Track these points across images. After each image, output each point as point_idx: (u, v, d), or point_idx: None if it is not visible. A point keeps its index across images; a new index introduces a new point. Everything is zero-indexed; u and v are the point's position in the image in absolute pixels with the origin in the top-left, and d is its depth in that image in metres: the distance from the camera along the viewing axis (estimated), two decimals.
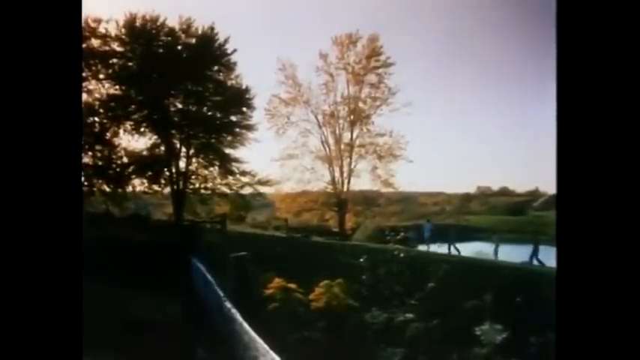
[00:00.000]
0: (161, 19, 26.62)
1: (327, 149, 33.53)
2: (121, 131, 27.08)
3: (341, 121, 33.46)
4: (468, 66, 73.00)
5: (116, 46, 26.58)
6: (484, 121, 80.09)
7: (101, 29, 26.10)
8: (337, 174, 33.46)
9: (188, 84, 27.25)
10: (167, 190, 28.02)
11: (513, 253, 24.11)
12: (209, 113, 28.07)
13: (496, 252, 24.78)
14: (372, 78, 33.11)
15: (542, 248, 22.69)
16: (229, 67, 27.83)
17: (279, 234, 29.53)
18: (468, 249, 25.65)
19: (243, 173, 28.37)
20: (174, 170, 27.44)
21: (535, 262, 22.81)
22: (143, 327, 13.51)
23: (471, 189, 67.80)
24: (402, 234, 25.91)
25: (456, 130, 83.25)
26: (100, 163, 26.55)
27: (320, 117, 33.46)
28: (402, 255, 19.74)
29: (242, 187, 28.68)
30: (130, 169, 27.23)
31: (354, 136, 33.42)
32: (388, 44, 33.61)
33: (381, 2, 56.78)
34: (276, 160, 33.24)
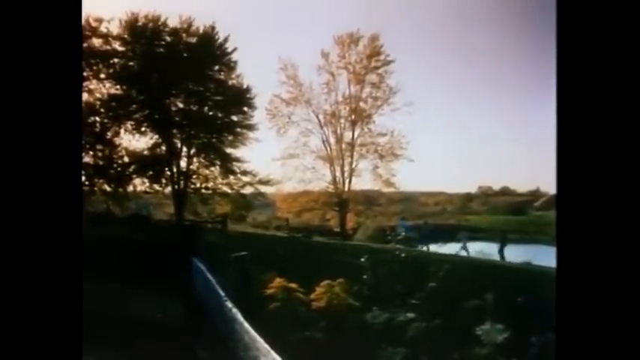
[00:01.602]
0: (162, 19, 26.64)
1: (328, 149, 33.51)
2: (122, 131, 27.12)
3: (342, 121, 33.46)
4: (469, 66, 72.85)
5: (117, 46, 26.61)
6: (485, 120, 79.85)
7: (102, 29, 26.13)
8: (338, 173, 33.45)
9: (189, 83, 27.26)
10: (168, 189, 28.03)
11: (514, 253, 24.03)
12: (210, 113, 28.07)
13: (464, 249, 24.77)
14: (373, 77, 33.10)
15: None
16: (230, 67, 27.84)
17: (280, 234, 29.49)
18: (469, 249, 25.56)
19: (244, 173, 28.39)
20: (175, 170, 27.46)
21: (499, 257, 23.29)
22: (143, 327, 13.52)
23: (472, 189, 67.67)
24: (403, 234, 25.92)
25: (457, 130, 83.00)
26: (100, 162, 26.56)
27: (321, 116, 33.45)
28: (403, 255, 19.73)
29: (243, 186, 28.69)
30: (131, 168, 27.24)
31: (356, 135, 33.40)
32: (389, 44, 33.50)
33: (381, 2, 56.69)
34: (277, 159, 33.23)
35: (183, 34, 27.01)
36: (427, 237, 26.63)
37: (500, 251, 23.67)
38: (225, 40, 27.31)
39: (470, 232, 27.34)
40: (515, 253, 23.58)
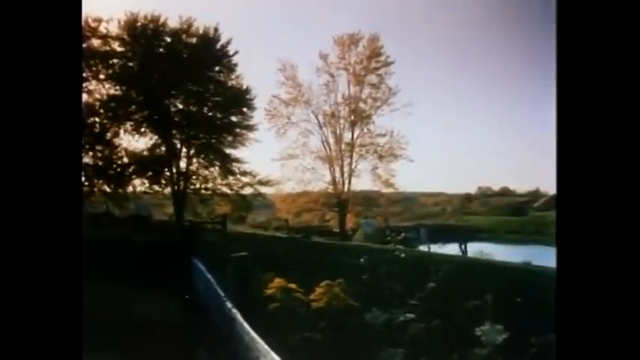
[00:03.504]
0: (162, 20, 26.64)
1: (328, 149, 33.57)
2: (122, 131, 27.10)
3: (342, 121, 33.51)
4: (468, 66, 73.02)
5: (117, 46, 26.59)
6: (485, 121, 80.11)
7: (102, 29, 26.12)
8: (338, 174, 33.50)
9: (189, 84, 27.26)
10: (168, 190, 28.02)
11: (513, 253, 24.08)
12: (210, 114, 28.08)
13: (425, 244, 24.89)
14: (372, 78, 33.15)
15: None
16: (230, 68, 27.85)
17: (280, 234, 29.51)
18: (469, 249, 25.59)
19: (244, 173, 28.36)
20: (174, 170, 27.44)
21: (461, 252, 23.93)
22: (143, 327, 13.51)
23: (472, 189, 67.86)
24: (403, 234, 26.00)
25: (457, 131, 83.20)
26: (100, 163, 26.53)
27: (320, 117, 33.51)
28: (402, 255, 19.74)
29: (242, 187, 28.67)
30: (131, 169, 27.22)
31: (355, 136, 33.47)
32: (389, 44, 33.67)
33: (381, 2, 56.76)
34: (276, 160, 33.27)
35: (183, 35, 27.01)
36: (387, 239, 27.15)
37: (462, 247, 24.13)
38: (228, 42, 27.32)
39: (429, 227, 27.55)
40: (515, 254, 23.61)
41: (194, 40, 27.10)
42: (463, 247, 24.30)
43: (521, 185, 73.74)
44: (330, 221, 35.62)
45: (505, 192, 67.79)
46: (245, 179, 28.40)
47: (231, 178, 28.36)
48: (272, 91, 33.06)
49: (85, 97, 25.62)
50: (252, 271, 16.43)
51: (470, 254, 24.31)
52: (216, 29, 27.20)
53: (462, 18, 61.31)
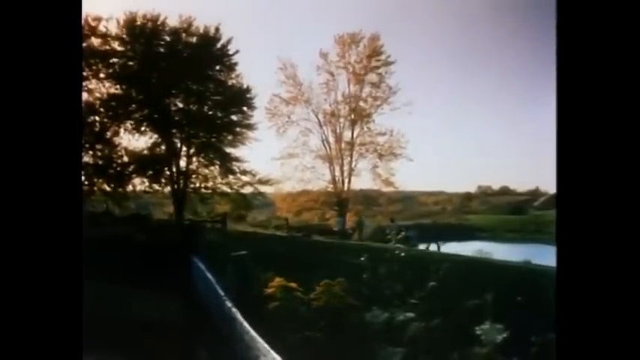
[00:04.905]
0: (161, 18, 26.63)
1: (328, 148, 33.58)
2: (122, 130, 27.12)
3: (342, 120, 33.51)
4: (468, 65, 73.02)
5: (116, 45, 26.58)
6: (485, 120, 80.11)
7: (101, 28, 26.11)
8: (338, 173, 33.52)
9: (189, 83, 27.26)
10: (168, 189, 28.03)
11: (513, 252, 24.04)
12: (210, 112, 28.10)
13: (398, 241, 24.98)
14: (372, 77, 33.15)
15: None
16: (230, 67, 27.85)
17: (280, 233, 29.53)
18: (469, 248, 25.57)
19: (244, 172, 28.38)
20: (174, 169, 27.45)
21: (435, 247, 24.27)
22: (143, 327, 13.52)
23: (472, 188, 67.85)
24: (403, 233, 25.97)
25: (457, 129, 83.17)
26: (100, 162, 26.56)
27: (320, 116, 33.52)
28: (402, 254, 19.73)
29: (242, 186, 28.69)
30: (131, 168, 27.24)
31: (355, 134, 33.49)
32: (389, 44, 33.61)
33: (382, 2, 56.77)
34: (276, 159, 33.29)
35: (183, 34, 27.01)
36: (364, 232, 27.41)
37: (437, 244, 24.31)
38: (228, 41, 27.30)
39: (399, 223, 27.79)
40: (515, 252, 23.58)
41: (194, 39, 27.10)
42: (436, 246, 24.37)
43: (521, 184, 73.62)
44: (330, 220, 35.66)
45: (505, 191, 67.82)
46: (245, 178, 28.44)
47: (231, 177, 28.39)
48: (272, 90, 33.10)
49: (85, 96, 25.66)
50: (252, 270, 16.44)
51: (469, 253, 24.27)
52: (217, 29, 27.20)
53: (462, 18, 61.33)
